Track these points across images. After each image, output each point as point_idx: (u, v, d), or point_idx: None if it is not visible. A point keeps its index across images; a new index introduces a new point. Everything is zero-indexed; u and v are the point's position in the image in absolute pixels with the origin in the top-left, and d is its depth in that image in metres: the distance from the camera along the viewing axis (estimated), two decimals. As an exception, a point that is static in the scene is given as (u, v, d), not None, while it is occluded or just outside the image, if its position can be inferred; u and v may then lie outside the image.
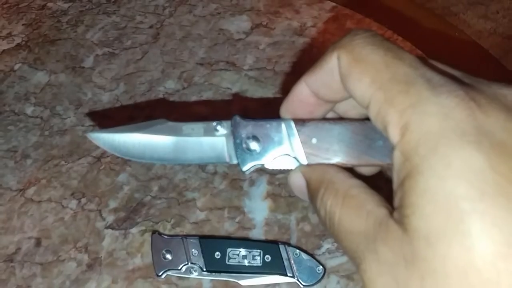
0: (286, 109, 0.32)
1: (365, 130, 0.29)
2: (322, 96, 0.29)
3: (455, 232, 0.20)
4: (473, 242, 0.20)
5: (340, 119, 0.32)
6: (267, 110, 0.58)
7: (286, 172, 0.31)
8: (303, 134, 0.30)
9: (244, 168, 0.31)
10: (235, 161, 0.31)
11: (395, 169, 0.23)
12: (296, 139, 0.30)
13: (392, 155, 0.23)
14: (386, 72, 0.24)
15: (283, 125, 0.31)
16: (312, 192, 0.28)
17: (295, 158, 0.30)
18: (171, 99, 0.60)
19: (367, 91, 0.24)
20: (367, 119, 0.27)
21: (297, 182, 0.30)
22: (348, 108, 0.31)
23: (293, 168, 0.31)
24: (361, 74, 0.25)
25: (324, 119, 0.31)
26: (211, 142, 0.32)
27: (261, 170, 0.52)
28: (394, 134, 0.23)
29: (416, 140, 0.22)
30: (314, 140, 0.30)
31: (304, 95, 0.30)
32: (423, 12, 0.70)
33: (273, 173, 0.52)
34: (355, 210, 0.25)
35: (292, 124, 0.30)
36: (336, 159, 0.29)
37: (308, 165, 0.30)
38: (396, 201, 0.23)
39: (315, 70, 0.29)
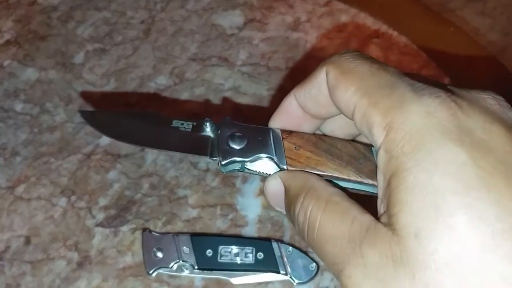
0: (274, 120, 0.32)
1: (349, 148, 0.30)
2: (309, 109, 0.30)
3: (443, 226, 0.20)
4: (461, 236, 0.20)
5: (327, 136, 0.32)
6: (260, 106, 0.57)
7: (265, 176, 0.31)
8: (288, 141, 0.30)
9: (224, 162, 0.30)
10: (216, 158, 0.31)
11: (380, 170, 0.23)
12: (280, 144, 0.30)
13: (377, 156, 0.24)
14: (371, 80, 0.25)
15: (270, 131, 0.31)
16: (291, 198, 0.28)
17: (276, 162, 0.30)
18: (163, 95, 0.59)
19: (352, 98, 0.25)
20: (353, 140, 0.30)
21: (275, 188, 0.30)
22: (335, 127, 0.32)
23: (271, 172, 0.31)
24: (347, 84, 0.26)
25: (313, 134, 0.32)
26: (198, 137, 0.32)
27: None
28: (378, 134, 0.23)
29: (400, 138, 0.22)
30: (297, 148, 0.30)
31: (292, 107, 0.31)
32: (419, 7, 0.69)
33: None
34: (339, 216, 0.25)
35: (279, 131, 0.31)
36: (318, 169, 0.30)
37: (288, 171, 0.30)
38: (383, 203, 0.23)
39: (304, 84, 0.30)
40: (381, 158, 0.23)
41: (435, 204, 0.20)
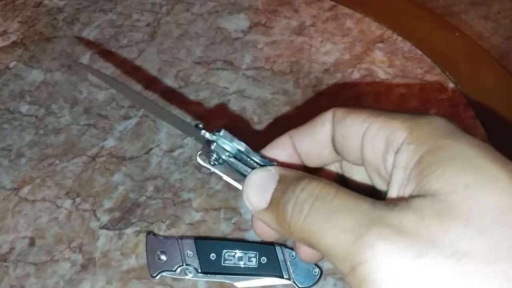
0: (265, 151, 0.31)
1: None
2: (302, 149, 0.30)
3: (490, 179, 0.21)
4: (504, 187, 0.21)
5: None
6: (264, 110, 0.58)
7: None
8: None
9: (199, 159, 0.30)
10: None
11: (404, 160, 0.24)
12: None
13: (397, 153, 0.24)
14: (379, 111, 0.26)
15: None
16: (290, 181, 0.26)
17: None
18: (168, 98, 0.59)
19: (366, 120, 0.26)
20: None
21: (264, 178, 0.27)
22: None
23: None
24: (359, 113, 0.26)
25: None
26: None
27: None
28: (400, 135, 0.24)
29: (426, 131, 0.24)
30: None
31: (285, 145, 0.30)
32: (423, 12, 0.69)
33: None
34: (353, 196, 0.23)
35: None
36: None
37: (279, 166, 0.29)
38: (411, 180, 0.23)
39: (305, 125, 0.30)
40: (406, 150, 0.23)
41: (478, 163, 0.21)
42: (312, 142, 0.29)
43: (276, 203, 0.26)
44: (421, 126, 0.24)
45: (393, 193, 0.24)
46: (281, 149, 0.30)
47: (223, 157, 0.29)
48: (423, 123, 0.24)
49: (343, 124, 0.27)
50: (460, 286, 0.19)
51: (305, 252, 0.30)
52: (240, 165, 0.29)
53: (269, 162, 0.29)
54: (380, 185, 0.28)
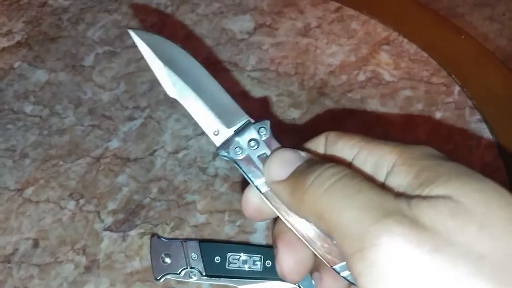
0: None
1: None
2: None
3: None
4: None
5: None
6: (269, 112, 0.57)
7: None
8: None
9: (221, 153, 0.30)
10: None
11: (403, 174, 0.24)
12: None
13: (391, 171, 0.24)
14: (370, 138, 0.27)
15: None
16: (312, 161, 0.26)
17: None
18: (172, 99, 0.58)
19: (357, 144, 0.26)
20: None
21: (288, 155, 0.27)
22: None
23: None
24: (352, 136, 0.27)
25: None
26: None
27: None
28: (391, 158, 0.25)
29: (416, 151, 0.25)
30: None
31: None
32: (429, 14, 0.69)
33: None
34: (371, 185, 0.23)
35: None
36: None
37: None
38: (418, 183, 0.23)
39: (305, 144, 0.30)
40: (398, 171, 0.24)
41: (478, 176, 0.22)
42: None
43: (297, 175, 0.25)
44: (411, 151, 0.24)
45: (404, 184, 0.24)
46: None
47: (248, 148, 0.29)
48: (412, 148, 0.24)
49: (335, 148, 0.27)
50: (475, 285, 0.19)
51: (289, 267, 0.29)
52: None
53: None
54: None
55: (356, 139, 0.26)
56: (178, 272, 0.45)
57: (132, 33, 0.31)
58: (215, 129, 0.30)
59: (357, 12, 0.67)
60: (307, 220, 0.25)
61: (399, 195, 0.23)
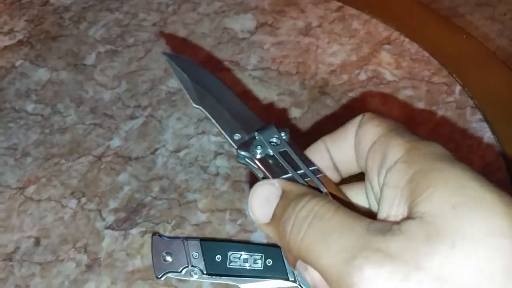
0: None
1: None
2: (335, 156, 0.30)
3: (479, 200, 0.22)
4: (494, 210, 0.21)
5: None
6: (270, 111, 0.57)
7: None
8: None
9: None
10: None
11: (395, 178, 0.24)
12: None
13: (389, 171, 0.24)
14: (398, 125, 0.27)
15: None
16: (293, 197, 0.26)
17: None
18: (174, 98, 0.59)
19: (380, 126, 0.27)
20: None
21: (269, 191, 0.27)
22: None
23: None
24: (379, 122, 0.27)
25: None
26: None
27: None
28: (398, 152, 0.25)
29: (421, 153, 0.24)
30: None
31: (320, 151, 0.31)
32: (431, 14, 0.69)
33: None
34: (350, 216, 0.24)
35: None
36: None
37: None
38: (403, 200, 0.23)
39: (337, 130, 0.30)
40: (399, 168, 0.24)
41: (468, 185, 0.22)
42: (342, 147, 0.30)
43: (277, 219, 0.26)
44: (419, 147, 0.24)
45: (383, 212, 0.24)
46: (316, 155, 0.31)
47: (267, 151, 0.30)
48: (422, 144, 0.24)
49: (362, 129, 0.28)
50: None
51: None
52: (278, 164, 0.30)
53: (307, 168, 0.29)
54: (372, 202, 0.28)
55: (385, 124, 0.27)
56: (179, 271, 0.45)
57: (165, 56, 0.37)
58: (237, 134, 0.32)
59: (359, 11, 0.67)
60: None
61: (375, 222, 0.23)
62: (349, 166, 0.30)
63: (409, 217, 0.22)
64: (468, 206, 0.21)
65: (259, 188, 0.27)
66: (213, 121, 0.33)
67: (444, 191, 0.22)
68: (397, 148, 0.25)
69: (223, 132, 0.32)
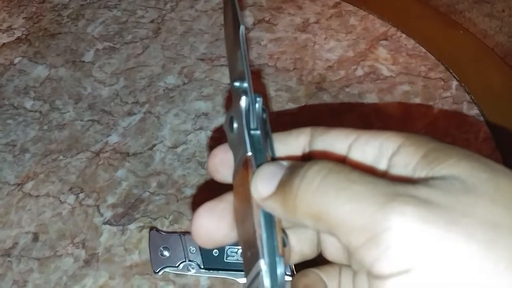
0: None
1: None
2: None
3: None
4: None
5: None
6: (267, 107, 0.58)
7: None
8: None
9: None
10: None
11: (404, 155, 0.23)
12: None
13: (395, 154, 0.24)
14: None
15: None
16: (296, 166, 0.24)
17: None
18: (171, 94, 0.59)
19: (350, 134, 0.26)
20: None
21: (272, 169, 0.25)
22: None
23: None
24: (342, 129, 0.26)
25: None
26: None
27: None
28: (395, 140, 0.24)
29: (423, 140, 0.24)
30: None
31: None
32: (428, 10, 0.69)
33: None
34: (365, 175, 0.22)
35: None
36: None
37: None
38: (421, 166, 0.22)
39: (279, 133, 0.28)
40: (406, 151, 0.23)
41: (485, 160, 0.21)
42: (282, 149, 0.28)
43: (283, 184, 0.24)
44: (416, 135, 0.24)
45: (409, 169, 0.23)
46: None
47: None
48: (416, 134, 0.24)
49: (327, 135, 0.27)
50: (495, 253, 0.19)
51: None
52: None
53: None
54: None
55: (350, 129, 0.26)
56: (177, 265, 0.46)
57: None
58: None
59: (356, 7, 0.67)
60: (306, 226, 0.25)
61: (401, 179, 0.22)
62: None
63: (434, 178, 0.21)
64: (496, 174, 0.21)
65: (264, 167, 0.25)
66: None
67: (468, 160, 0.21)
68: (394, 138, 0.24)
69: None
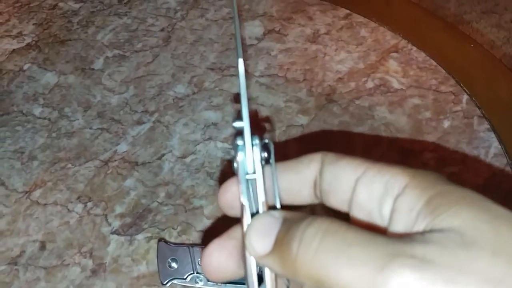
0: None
1: None
2: (283, 184, 0.29)
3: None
4: None
5: None
6: (277, 118, 0.57)
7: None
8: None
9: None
10: None
11: (408, 199, 0.23)
12: None
13: (400, 195, 0.24)
14: (373, 160, 0.26)
15: None
16: (293, 222, 0.25)
17: None
18: (181, 104, 0.59)
19: (361, 165, 0.26)
20: None
21: (268, 222, 0.25)
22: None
23: None
24: (353, 159, 0.26)
25: None
26: None
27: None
28: (401, 179, 0.24)
29: (431, 179, 0.24)
30: None
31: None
32: (438, 22, 0.69)
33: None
34: (365, 233, 0.22)
35: None
36: None
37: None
38: (421, 217, 0.23)
39: (290, 161, 0.28)
40: (411, 193, 0.23)
41: (488, 205, 0.22)
42: (294, 178, 0.28)
43: (279, 243, 0.24)
44: (422, 174, 0.24)
45: (411, 219, 0.23)
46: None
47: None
48: (423, 172, 0.24)
49: (336, 165, 0.27)
50: None
51: None
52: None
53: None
54: None
55: (359, 160, 0.26)
56: (185, 277, 0.45)
57: None
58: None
59: (366, 19, 0.67)
60: (308, 285, 0.25)
61: (398, 236, 0.22)
62: (292, 199, 0.29)
63: (433, 230, 0.21)
64: (498, 222, 0.21)
65: (258, 220, 0.25)
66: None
67: (470, 209, 0.21)
68: (399, 176, 0.24)
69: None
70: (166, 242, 0.48)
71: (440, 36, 0.66)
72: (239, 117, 0.26)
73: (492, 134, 0.55)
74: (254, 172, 0.26)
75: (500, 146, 0.54)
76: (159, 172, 0.54)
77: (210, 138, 0.56)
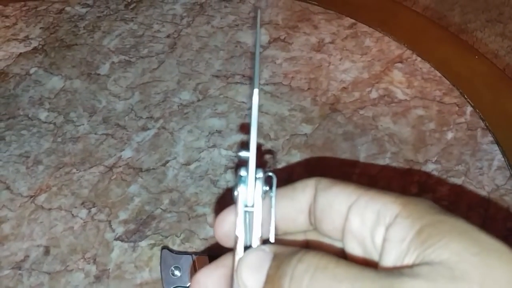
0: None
1: None
2: (278, 211, 0.29)
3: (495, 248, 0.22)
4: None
5: None
6: (281, 126, 0.58)
7: None
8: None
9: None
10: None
11: (399, 231, 0.23)
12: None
13: (391, 226, 0.24)
14: (367, 187, 0.26)
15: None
16: (284, 257, 0.25)
17: None
18: (186, 110, 0.59)
19: (354, 192, 0.26)
20: None
21: (258, 258, 0.25)
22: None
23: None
24: (346, 185, 0.26)
25: None
26: None
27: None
28: (393, 208, 0.24)
29: (420, 208, 0.24)
30: None
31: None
32: (444, 33, 0.69)
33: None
34: (355, 267, 0.23)
35: None
36: None
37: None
38: (411, 251, 0.23)
39: (285, 187, 0.28)
40: (403, 223, 0.23)
41: (479, 236, 0.22)
42: (289, 206, 0.28)
43: (271, 280, 0.24)
44: (414, 203, 0.24)
45: (389, 265, 0.23)
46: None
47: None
48: (415, 200, 0.24)
49: (329, 192, 0.27)
50: None
51: None
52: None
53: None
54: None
55: (353, 186, 0.26)
56: (187, 285, 0.46)
57: None
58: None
59: (371, 28, 0.67)
60: None
61: (389, 269, 0.22)
62: (287, 227, 0.29)
63: (423, 263, 0.22)
64: (487, 254, 0.21)
65: (248, 256, 0.25)
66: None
67: (460, 240, 0.21)
68: (391, 205, 0.24)
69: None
70: (169, 250, 0.48)
71: (445, 47, 0.66)
72: (244, 146, 0.27)
73: (496, 147, 0.55)
74: (253, 206, 0.26)
75: (503, 159, 0.54)
76: (163, 178, 0.54)
77: (214, 146, 0.56)
